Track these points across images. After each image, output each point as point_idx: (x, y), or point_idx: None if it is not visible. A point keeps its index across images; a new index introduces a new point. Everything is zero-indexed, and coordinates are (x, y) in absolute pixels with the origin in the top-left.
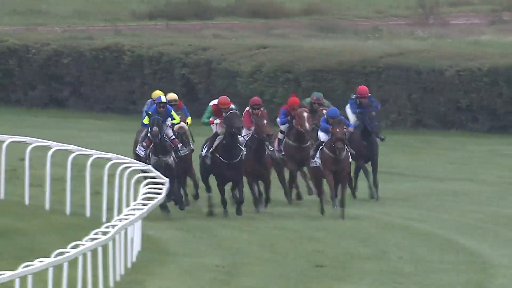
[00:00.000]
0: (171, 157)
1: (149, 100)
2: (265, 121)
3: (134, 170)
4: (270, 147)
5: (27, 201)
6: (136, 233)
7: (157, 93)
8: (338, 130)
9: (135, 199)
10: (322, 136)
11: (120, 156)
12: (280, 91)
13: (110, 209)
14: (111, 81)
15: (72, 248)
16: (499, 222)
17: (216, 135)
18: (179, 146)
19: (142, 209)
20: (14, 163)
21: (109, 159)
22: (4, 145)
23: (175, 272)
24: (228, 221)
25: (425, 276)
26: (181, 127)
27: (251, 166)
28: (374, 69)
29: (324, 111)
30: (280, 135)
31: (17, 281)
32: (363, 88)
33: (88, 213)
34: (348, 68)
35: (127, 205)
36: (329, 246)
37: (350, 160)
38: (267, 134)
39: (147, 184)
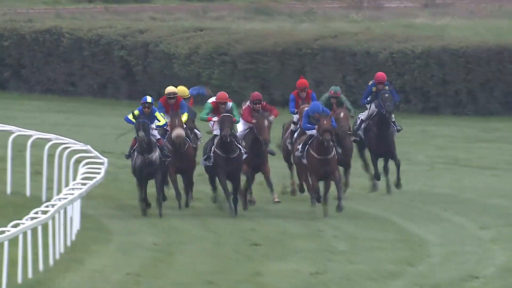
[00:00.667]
0: (156, 154)
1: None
2: (266, 122)
3: (73, 150)
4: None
5: None
6: (75, 212)
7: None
8: (325, 122)
9: (74, 179)
10: (309, 131)
11: (59, 136)
12: (217, 73)
13: (50, 188)
14: (51, 63)
15: (12, 227)
16: (427, 200)
17: (214, 137)
18: (163, 146)
19: (81, 188)
20: None
21: (49, 140)
22: None
23: (113, 250)
24: (165, 202)
25: (358, 254)
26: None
27: (248, 159)
28: (309, 51)
29: (342, 114)
30: (292, 126)
31: None
32: (381, 74)
33: (28, 193)
34: (284, 50)
35: (67, 185)
36: (264, 225)
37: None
38: (266, 139)
39: (86, 164)
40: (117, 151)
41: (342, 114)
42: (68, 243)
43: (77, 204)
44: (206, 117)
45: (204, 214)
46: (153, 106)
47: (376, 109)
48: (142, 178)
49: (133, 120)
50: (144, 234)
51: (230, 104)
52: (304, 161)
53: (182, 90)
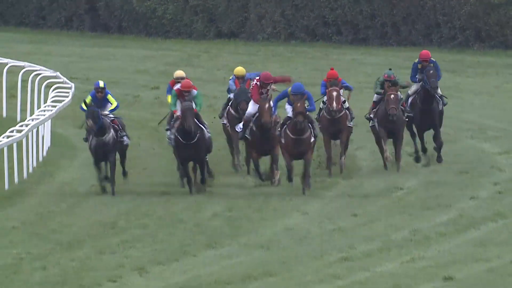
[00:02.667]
0: (110, 135)
1: (232, 77)
2: (267, 105)
3: (44, 76)
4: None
5: None
6: (46, 131)
7: (239, 69)
8: (299, 104)
9: (45, 102)
10: (289, 111)
11: (32, 64)
12: (170, 8)
13: (23, 110)
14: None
15: None
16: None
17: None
18: (119, 127)
19: (51, 110)
20: None
21: (22, 67)
22: None
23: (80, 165)
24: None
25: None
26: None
27: (257, 144)
28: None
29: (392, 96)
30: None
31: None
32: (425, 52)
33: (4, 114)
34: None
35: (39, 107)
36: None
37: (312, 140)
38: (268, 121)
39: (55, 89)
40: (82, 77)
41: (392, 96)
42: (40, 159)
43: (48, 124)
44: (173, 108)
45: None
46: (106, 90)
47: (421, 85)
48: (98, 159)
49: (86, 109)
50: None
51: (195, 91)
52: (282, 140)
53: (240, 70)
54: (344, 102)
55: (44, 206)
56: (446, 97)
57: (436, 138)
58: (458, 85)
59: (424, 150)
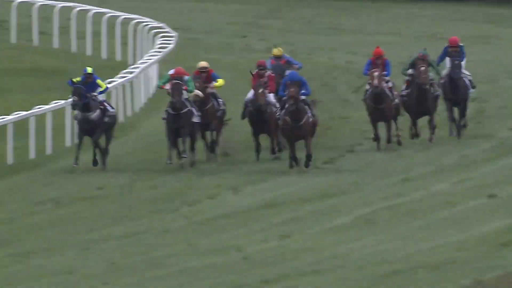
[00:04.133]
0: (95, 113)
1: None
2: (261, 90)
3: (151, 26)
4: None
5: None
6: (153, 73)
7: (276, 50)
8: (292, 89)
9: (153, 48)
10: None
11: (140, 16)
12: None
13: (135, 55)
14: None
15: (109, 83)
16: None
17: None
18: (108, 107)
19: (158, 55)
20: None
21: (133, 18)
22: None
23: None
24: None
25: None
26: (196, 95)
27: (255, 124)
28: None
29: (422, 68)
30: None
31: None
32: (454, 38)
33: (119, 58)
34: None
35: (147, 52)
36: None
37: (310, 120)
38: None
39: (161, 37)
40: (184, 27)
41: (422, 69)
42: (150, 96)
43: (155, 67)
44: (160, 85)
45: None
46: (94, 75)
47: (448, 72)
48: (82, 134)
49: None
50: None
51: (186, 77)
52: (280, 123)
53: (277, 51)
54: (388, 82)
55: (152, 136)
56: (474, 85)
57: (460, 115)
58: (498, 34)
59: (452, 118)
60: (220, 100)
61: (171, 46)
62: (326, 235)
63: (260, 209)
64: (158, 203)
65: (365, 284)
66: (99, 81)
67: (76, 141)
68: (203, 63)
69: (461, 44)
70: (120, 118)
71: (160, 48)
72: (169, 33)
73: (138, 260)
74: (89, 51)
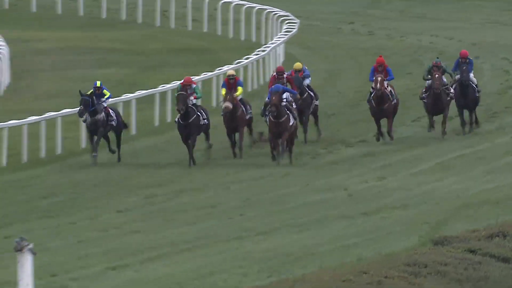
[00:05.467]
0: (101, 115)
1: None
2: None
3: (279, 15)
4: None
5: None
6: (281, 51)
7: (297, 64)
8: (274, 98)
9: (280, 31)
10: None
11: (269, 7)
12: None
13: (266, 36)
14: None
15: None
16: None
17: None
18: (111, 113)
19: (284, 37)
20: None
21: (265, 9)
22: None
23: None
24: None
25: None
26: (227, 107)
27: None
28: None
29: (437, 75)
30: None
31: None
32: (464, 52)
33: (254, 39)
34: None
35: (275, 35)
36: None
37: (292, 123)
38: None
39: (286, 23)
40: (305, 15)
41: (436, 76)
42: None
43: (282, 46)
44: (176, 94)
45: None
46: (102, 87)
47: (459, 78)
48: (91, 133)
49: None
50: None
51: (193, 86)
52: (267, 122)
53: (297, 65)
54: (387, 86)
55: None
56: (480, 90)
57: (470, 116)
58: None
59: (463, 123)
60: (248, 106)
61: (294, 30)
62: (412, 177)
63: (362, 157)
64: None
65: (442, 216)
66: (105, 91)
67: (90, 145)
68: (231, 72)
69: (470, 58)
70: (255, 86)
71: (285, 32)
72: (293, 20)
73: (266, 197)
74: (231, 35)
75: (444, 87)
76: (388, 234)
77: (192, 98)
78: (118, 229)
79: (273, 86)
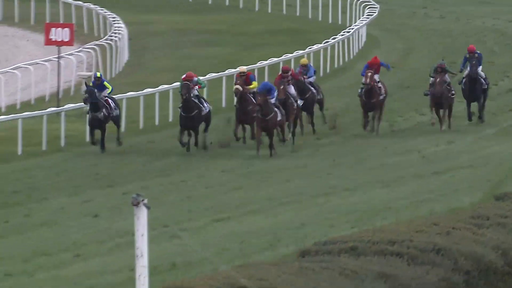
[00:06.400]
0: (102, 113)
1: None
2: (282, 87)
3: (362, 1)
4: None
5: None
6: (363, 32)
7: (303, 60)
8: (259, 98)
9: (363, 15)
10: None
11: None
12: None
13: (350, 19)
14: None
15: (325, 43)
16: None
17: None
18: (111, 104)
19: (366, 20)
20: None
21: None
22: None
23: (381, 52)
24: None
25: None
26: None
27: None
28: None
29: (438, 80)
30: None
31: None
32: (471, 47)
33: (340, 21)
34: None
35: (359, 18)
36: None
37: (279, 119)
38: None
39: (368, 8)
40: (384, 1)
41: (437, 79)
42: (361, 47)
43: (364, 28)
44: (180, 90)
45: None
46: (102, 78)
47: (468, 71)
48: (93, 129)
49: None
50: None
51: (195, 78)
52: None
53: (303, 60)
54: (378, 82)
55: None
56: (488, 83)
57: (479, 108)
58: None
59: (470, 116)
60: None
61: (375, 14)
62: (478, 141)
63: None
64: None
65: (504, 174)
66: (106, 83)
67: (91, 137)
68: (242, 68)
69: (478, 52)
70: (340, 62)
71: (367, 15)
72: (374, 5)
73: (351, 158)
74: (320, 18)
75: (446, 85)
76: (455, 190)
77: (197, 87)
78: (223, 186)
79: (259, 86)
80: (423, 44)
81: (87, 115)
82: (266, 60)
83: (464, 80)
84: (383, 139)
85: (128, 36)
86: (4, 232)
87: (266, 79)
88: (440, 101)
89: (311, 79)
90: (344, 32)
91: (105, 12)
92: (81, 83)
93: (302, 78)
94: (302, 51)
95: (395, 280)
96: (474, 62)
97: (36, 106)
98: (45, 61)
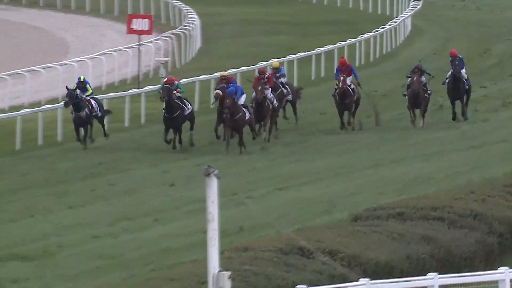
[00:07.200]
0: (84, 112)
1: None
2: (259, 87)
3: None
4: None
5: None
6: (408, 23)
7: (275, 63)
8: (227, 101)
9: (408, 7)
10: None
11: None
12: None
13: (397, 11)
14: None
15: (374, 32)
16: None
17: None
18: (94, 105)
19: (411, 11)
20: None
21: None
22: None
23: (428, 39)
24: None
25: None
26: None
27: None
28: None
29: (415, 78)
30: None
31: None
32: (453, 51)
33: (387, 13)
34: None
35: (404, 9)
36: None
37: (247, 118)
38: (258, 97)
39: (412, 1)
40: None
41: (415, 78)
42: (407, 35)
43: (409, 20)
44: (159, 90)
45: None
46: (86, 80)
47: (451, 72)
48: (76, 127)
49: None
50: None
51: (176, 82)
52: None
53: (275, 63)
54: (350, 85)
55: (410, 60)
56: (469, 82)
57: (462, 106)
58: None
59: (454, 115)
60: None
61: (419, 6)
62: (510, 120)
63: (471, 103)
64: None
65: None
66: (88, 86)
67: (76, 134)
68: (223, 73)
69: (459, 56)
70: (388, 49)
71: (412, 7)
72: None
73: (396, 135)
74: (370, 9)
75: (422, 85)
76: (490, 162)
77: (175, 92)
78: (283, 159)
79: (227, 90)
80: (461, 33)
81: (72, 114)
82: (323, 47)
83: (447, 80)
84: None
85: (200, 25)
86: (91, 199)
87: (322, 64)
88: (417, 101)
89: (281, 80)
90: (391, 22)
91: (180, 4)
92: (158, 67)
93: (275, 79)
94: (354, 39)
95: (437, 242)
96: (456, 63)
97: (119, 87)
98: (127, 48)
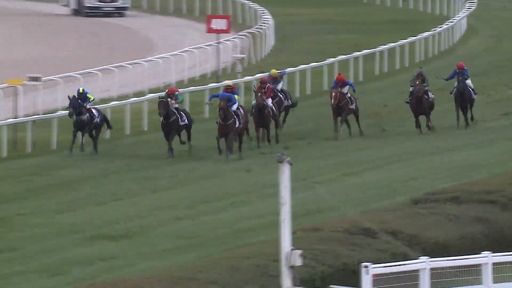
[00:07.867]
0: (85, 116)
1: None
2: (259, 94)
3: None
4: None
5: None
6: (464, 23)
7: (273, 71)
8: (221, 103)
9: (463, 8)
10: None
11: None
12: None
13: (454, 11)
14: None
15: (420, 34)
16: None
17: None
18: (95, 113)
19: (466, 12)
20: None
21: None
22: None
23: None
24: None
25: None
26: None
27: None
28: None
29: (417, 82)
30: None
31: None
32: (461, 64)
33: (445, 13)
34: None
35: (460, 10)
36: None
37: (238, 125)
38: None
39: (467, 2)
40: None
41: (417, 82)
42: (463, 33)
43: (465, 20)
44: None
45: None
46: (85, 90)
47: (457, 84)
48: (76, 130)
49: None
50: None
51: (176, 93)
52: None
53: (273, 72)
54: (346, 94)
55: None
56: (476, 93)
57: (465, 115)
58: None
59: (458, 118)
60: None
61: (473, 7)
62: None
63: None
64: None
65: None
66: (89, 95)
67: (73, 138)
68: (228, 82)
69: (465, 68)
70: (446, 46)
71: (467, 8)
72: (473, 0)
73: (447, 126)
74: (428, 10)
75: (423, 92)
76: None
77: (173, 102)
78: (347, 147)
79: (221, 94)
80: (511, 32)
81: (73, 118)
82: (385, 45)
83: (454, 91)
84: (478, 110)
85: (274, 25)
86: (173, 184)
87: (385, 60)
88: (419, 107)
89: (278, 87)
90: (448, 22)
91: (255, 6)
92: (235, 63)
93: (274, 88)
94: (414, 38)
95: (490, 224)
96: (461, 78)
97: (200, 82)
98: (207, 45)
